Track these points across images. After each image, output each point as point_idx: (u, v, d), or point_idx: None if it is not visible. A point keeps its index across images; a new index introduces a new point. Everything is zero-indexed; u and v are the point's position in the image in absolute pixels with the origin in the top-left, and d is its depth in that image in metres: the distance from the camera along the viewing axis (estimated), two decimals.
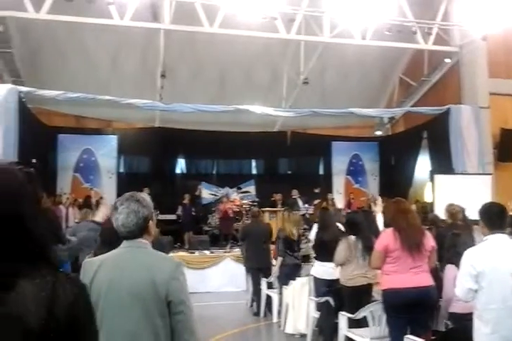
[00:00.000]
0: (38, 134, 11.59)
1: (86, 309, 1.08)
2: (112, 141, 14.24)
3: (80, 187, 13.65)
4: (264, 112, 11.69)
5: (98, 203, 11.43)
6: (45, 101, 11.58)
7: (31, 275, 1.00)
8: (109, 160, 14.14)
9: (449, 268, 4.09)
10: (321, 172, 15.97)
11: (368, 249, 4.98)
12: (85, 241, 3.21)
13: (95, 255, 2.74)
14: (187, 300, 2.01)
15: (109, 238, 3.38)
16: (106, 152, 14.12)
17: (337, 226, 6.25)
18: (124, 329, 1.94)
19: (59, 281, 1.03)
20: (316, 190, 13.75)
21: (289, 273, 6.87)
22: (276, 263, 7.16)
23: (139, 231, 2.08)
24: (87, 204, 11.01)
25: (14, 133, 9.19)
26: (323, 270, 5.89)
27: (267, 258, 7.61)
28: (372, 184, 15.85)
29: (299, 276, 6.68)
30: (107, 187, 13.61)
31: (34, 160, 10.22)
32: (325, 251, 5.88)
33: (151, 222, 2.13)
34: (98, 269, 2.01)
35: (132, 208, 2.07)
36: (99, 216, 3.43)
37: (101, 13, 9.97)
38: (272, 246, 7.79)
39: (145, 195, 2.18)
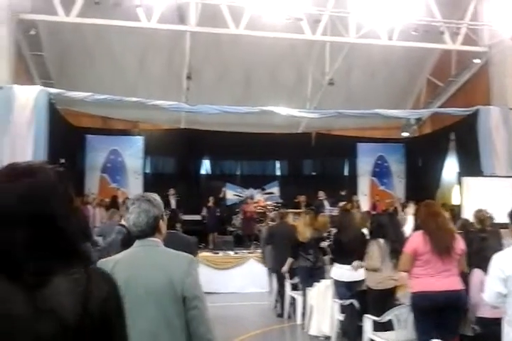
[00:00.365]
0: (67, 135, 11.84)
1: (118, 305, 1.10)
2: (139, 141, 14.43)
3: (107, 188, 13.87)
4: (288, 113, 11.67)
5: (113, 205, 11.61)
6: (73, 102, 11.83)
7: (65, 272, 1.02)
8: (136, 161, 14.33)
9: (476, 273, 4.02)
10: (346, 173, 15.84)
11: (395, 251, 4.92)
12: (114, 244, 3.29)
13: None
14: (201, 295, 2.04)
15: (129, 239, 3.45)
16: (132, 153, 14.32)
17: (357, 229, 6.20)
18: (141, 327, 1.96)
19: (92, 278, 1.05)
20: (342, 193, 13.64)
21: (305, 275, 6.83)
22: (287, 262, 7.13)
23: (150, 230, 2.13)
24: (114, 205, 11.18)
25: (44, 134, 9.40)
26: (341, 272, 5.87)
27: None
28: (398, 186, 15.64)
29: (324, 278, 6.64)
30: (133, 187, 13.79)
31: (63, 161, 10.44)
32: (342, 253, 5.85)
33: (161, 221, 2.18)
34: (113, 269, 2.04)
35: (143, 208, 2.13)
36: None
37: (128, 15, 10.13)
38: None
39: (155, 195, 2.24)
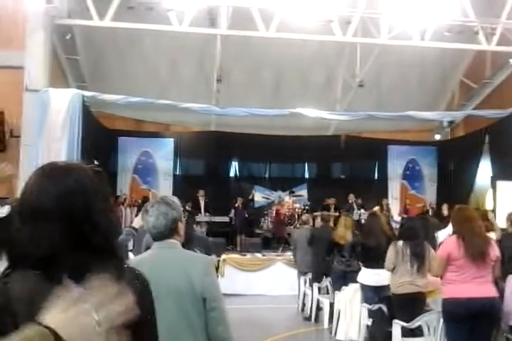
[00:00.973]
0: (100, 137, 12.10)
1: (150, 303, 1.11)
2: (169, 143, 14.62)
3: (137, 188, 14.10)
4: (318, 115, 11.62)
5: (134, 206, 11.79)
6: (106, 105, 12.08)
7: (99, 268, 1.04)
8: (166, 163, 14.51)
9: (510, 279, 3.91)
10: (376, 176, 15.63)
11: (416, 255, 4.84)
12: (120, 244, 3.35)
13: None
14: (220, 296, 2.08)
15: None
16: (163, 154, 14.51)
17: (384, 232, 6.12)
18: (163, 327, 1.97)
19: (125, 275, 1.07)
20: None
21: (340, 279, 6.77)
22: None
23: (168, 232, 2.17)
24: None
25: (78, 136, 9.63)
26: (368, 276, 5.81)
27: (328, 262, 7.52)
28: (429, 190, 15.34)
29: (353, 282, 6.57)
30: (163, 188, 13.98)
31: (96, 162, 10.67)
32: (369, 257, 5.79)
33: (180, 223, 2.22)
34: None
35: (162, 210, 2.17)
36: (136, 222, 3.60)
37: (160, 19, 10.29)
38: None
39: (174, 198, 2.30)
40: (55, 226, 1.03)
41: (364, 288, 5.90)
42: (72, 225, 1.04)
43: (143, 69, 13.43)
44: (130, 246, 5.30)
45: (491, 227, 6.29)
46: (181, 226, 2.23)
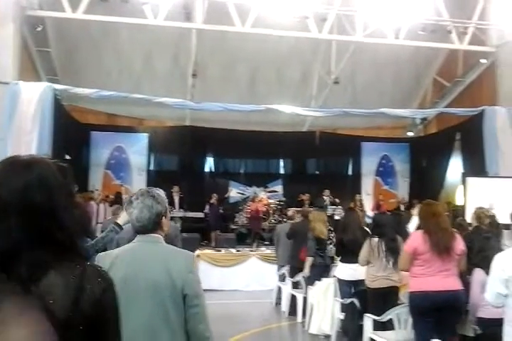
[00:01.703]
0: (72, 131, 11.88)
1: (112, 304, 1.09)
2: (143, 138, 14.46)
3: (110, 184, 13.92)
4: (293, 112, 11.65)
5: (116, 201, 11.66)
6: (79, 99, 11.87)
7: (60, 266, 1.01)
8: (140, 158, 14.36)
9: (477, 273, 4.00)
10: (350, 172, 15.81)
11: (391, 251, 4.92)
12: (100, 242, 3.30)
13: None
14: (201, 293, 2.05)
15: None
16: (137, 149, 14.35)
17: (361, 228, 6.20)
18: (140, 322, 1.97)
19: (87, 274, 1.05)
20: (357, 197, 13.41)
21: (318, 274, 6.83)
22: (306, 263, 7.09)
23: (152, 226, 2.13)
24: (118, 201, 11.21)
25: (49, 130, 9.43)
26: (345, 271, 5.87)
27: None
28: (402, 186, 15.60)
29: (327, 277, 6.64)
30: (137, 184, 13.81)
31: (67, 157, 10.48)
32: (346, 251, 5.86)
33: (164, 218, 2.17)
34: (114, 262, 2.05)
35: (146, 203, 2.12)
36: (123, 219, 3.53)
37: (135, 12, 10.14)
38: None
39: (160, 191, 2.22)
40: (14, 221, 1.00)
41: (340, 282, 5.95)
42: (33, 221, 1.01)
43: (117, 63, 13.24)
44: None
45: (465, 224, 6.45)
46: (166, 221, 2.18)
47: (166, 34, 12.00)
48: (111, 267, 2.03)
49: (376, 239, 5.07)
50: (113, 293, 1.10)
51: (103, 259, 2.11)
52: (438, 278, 3.93)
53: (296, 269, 7.62)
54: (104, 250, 3.41)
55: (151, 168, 14.66)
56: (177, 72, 13.38)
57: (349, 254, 5.86)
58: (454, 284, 3.97)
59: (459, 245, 4.07)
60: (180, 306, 1.99)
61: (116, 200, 11.49)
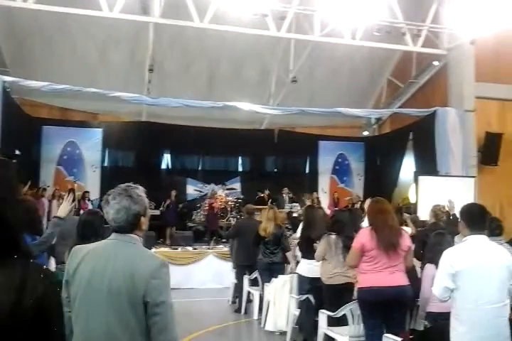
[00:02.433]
0: (22, 125, 11.43)
1: (53, 303, 1.05)
2: (97, 134, 14.08)
3: (62, 180, 13.49)
4: (251, 109, 11.66)
5: (60, 197, 11.38)
6: (30, 92, 11.43)
7: (2, 264, 0.97)
8: (94, 154, 13.99)
9: (428, 268, 4.12)
10: (307, 170, 15.99)
11: (348, 248, 4.99)
12: (50, 237, 3.21)
13: None
14: (166, 301, 1.95)
15: (84, 232, 3.37)
16: (90, 145, 13.97)
17: (323, 224, 6.25)
18: (98, 322, 1.92)
19: (29, 273, 1.00)
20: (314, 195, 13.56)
21: (266, 270, 6.85)
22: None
23: (129, 227, 2.06)
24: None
25: None
26: (308, 268, 5.88)
27: (256, 255, 7.57)
28: (357, 184, 15.93)
29: (283, 274, 6.67)
30: (91, 180, 13.49)
31: (17, 152, 10.08)
32: (310, 248, 5.88)
33: (143, 218, 2.10)
34: (84, 258, 2.01)
35: (123, 205, 2.05)
36: (62, 211, 3.45)
37: (90, 4, 9.84)
38: None
39: (139, 190, 2.13)
40: None
41: (301, 279, 5.94)
42: None
43: (70, 56, 12.83)
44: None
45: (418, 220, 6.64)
46: (144, 221, 2.11)
47: (123, 27, 11.73)
48: (80, 263, 1.99)
49: (334, 236, 5.13)
50: (55, 294, 1.06)
51: (76, 253, 2.05)
52: (385, 274, 4.02)
53: (243, 267, 7.64)
54: (52, 246, 3.30)
55: (106, 164, 14.31)
56: (133, 67, 13.12)
57: (313, 251, 5.87)
58: (400, 280, 4.06)
59: (406, 241, 4.17)
60: (141, 314, 1.91)
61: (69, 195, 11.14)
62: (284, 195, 13.26)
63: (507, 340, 2.91)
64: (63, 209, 3.54)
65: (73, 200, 9.95)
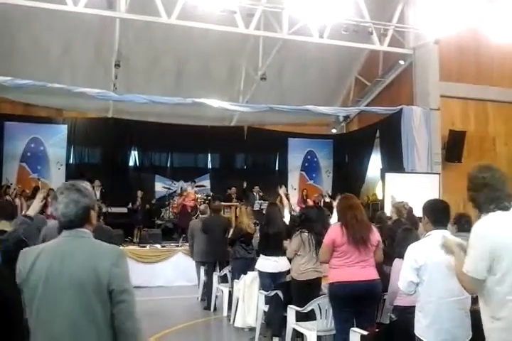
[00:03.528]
0: None
1: (15, 300, 1.03)
2: (62, 130, 13.76)
3: (26, 178, 13.14)
4: (220, 106, 11.60)
5: (22, 195, 11.12)
6: None
7: None
8: (59, 150, 13.67)
9: (397, 262, 4.19)
10: (277, 167, 16.06)
11: (320, 243, 5.04)
12: (15, 236, 3.12)
13: None
14: (129, 289, 1.99)
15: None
16: (55, 142, 13.64)
17: (282, 221, 6.33)
18: (63, 317, 1.91)
19: None
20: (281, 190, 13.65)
21: (242, 267, 6.87)
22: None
23: (79, 221, 2.05)
24: (36, 195, 10.61)
25: None
26: (267, 263, 5.96)
27: (225, 251, 7.60)
28: (325, 180, 16.10)
29: (253, 270, 6.69)
30: (56, 178, 13.17)
31: None
32: (271, 244, 5.94)
33: (92, 211, 2.10)
34: (37, 258, 1.97)
35: (72, 198, 2.04)
36: (33, 209, 3.39)
37: None
38: None
39: (87, 184, 2.14)
40: None
41: (262, 275, 6.02)
42: None
43: (33, 50, 12.43)
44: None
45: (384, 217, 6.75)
46: (94, 215, 2.10)
47: (88, 22, 11.44)
48: (34, 263, 1.95)
49: (306, 233, 5.17)
50: (15, 289, 1.03)
51: (26, 255, 2.01)
52: (356, 269, 4.08)
53: (211, 264, 7.66)
54: (17, 244, 3.21)
55: (71, 161, 13.99)
56: (99, 62, 12.85)
57: (273, 247, 5.95)
58: (371, 274, 4.13)
59: (375, 236, 4.25)
60: (106, 303, 1.93)
61: (34, 195, 10.85)
62: (255, 193, 13.27)
63: (468, 331, 2.99)
64: (34, 207, 3.45)
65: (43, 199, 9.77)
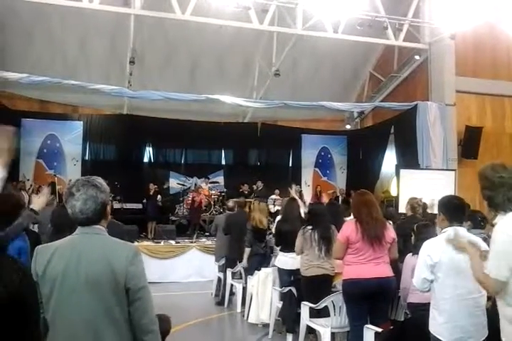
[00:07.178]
0: (1, 118, 11.19)
1: (31, 293, 1.04)
2: (78, 127, 13.90)
3: (42, 174, 13.31)
4: (234, 102, 11.62)
5: (38, 191, 11.22)
6: (8, 84, 11.20)
7: None
8: (74, 147, 13.81)
9: (409, 258, 4.16)
10: (290, 164, 16.02)
11: (324, 239, 5.03)
12: (15, 229, 3.15)
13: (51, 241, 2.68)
14: (145, 286, 2.00)
15: (61, 225, 3.33)
16: (71, 138, 13.79)
17: (300, 218, 6.28)
18: (81, 316, 1.91)
19: (3, 264, 0.99)
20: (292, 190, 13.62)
21: (257, 263, 6.87)
22: (245, 253, 7.12)
23: (97, 217, 2.04)
24: (52, 191, 10.74)
25: None
26: (285, 260, 5.93)
27: (243, 248, 7.57)
28: (340, 177, 16.02)
29: (267, 266, 6.69)
30: (71, 174, 13.30)
31: None
32: (286, 241, 5.92)
33: (108, 206, 2.09)
34: (53, 255, 1.96)
35: (90, 194, 2.01)
36: (38, 204, 3.42)
37: None
38: None
39: (101, 180, 2.11)
40: None
41: (281, 271, 5.98)
42: None
43: (49, 47, 12.57)
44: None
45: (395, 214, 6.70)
46: (109, 209, 2.10)
47: (103, 19, 11.51)
48: (50, 260, 1.94)
49: (309, 229, 5.16)
50: (31, 282, 1.04)
51: (42, 252, 2.00)
52: (370, 266, 4.06)
53: (234, 260, 7.65)
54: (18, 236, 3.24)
55: (87, 157, 14.13)
56: (114, 59, 12.93)
57: (288, 244, 5.93)
58: (385, 271, 4.11)
59: (390, 233, 4.22)
60: (123, 301, 1.93)
61: (51, 191, 10.99)
62: (260, 188, 13.23)
63: (484, 329, 2.96)
64: (39, 202, 3.49)
65: (53, 193, 9.83)
